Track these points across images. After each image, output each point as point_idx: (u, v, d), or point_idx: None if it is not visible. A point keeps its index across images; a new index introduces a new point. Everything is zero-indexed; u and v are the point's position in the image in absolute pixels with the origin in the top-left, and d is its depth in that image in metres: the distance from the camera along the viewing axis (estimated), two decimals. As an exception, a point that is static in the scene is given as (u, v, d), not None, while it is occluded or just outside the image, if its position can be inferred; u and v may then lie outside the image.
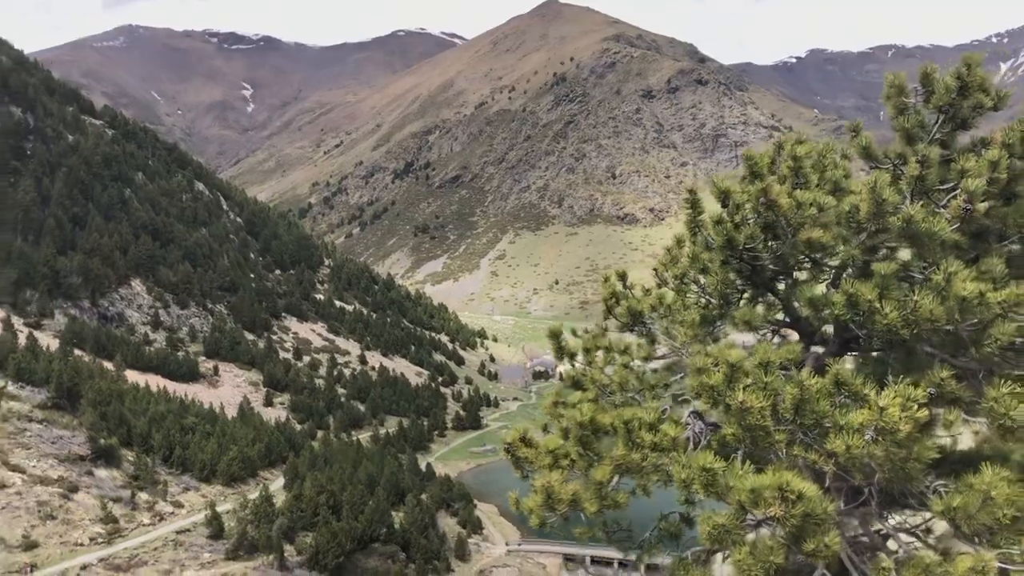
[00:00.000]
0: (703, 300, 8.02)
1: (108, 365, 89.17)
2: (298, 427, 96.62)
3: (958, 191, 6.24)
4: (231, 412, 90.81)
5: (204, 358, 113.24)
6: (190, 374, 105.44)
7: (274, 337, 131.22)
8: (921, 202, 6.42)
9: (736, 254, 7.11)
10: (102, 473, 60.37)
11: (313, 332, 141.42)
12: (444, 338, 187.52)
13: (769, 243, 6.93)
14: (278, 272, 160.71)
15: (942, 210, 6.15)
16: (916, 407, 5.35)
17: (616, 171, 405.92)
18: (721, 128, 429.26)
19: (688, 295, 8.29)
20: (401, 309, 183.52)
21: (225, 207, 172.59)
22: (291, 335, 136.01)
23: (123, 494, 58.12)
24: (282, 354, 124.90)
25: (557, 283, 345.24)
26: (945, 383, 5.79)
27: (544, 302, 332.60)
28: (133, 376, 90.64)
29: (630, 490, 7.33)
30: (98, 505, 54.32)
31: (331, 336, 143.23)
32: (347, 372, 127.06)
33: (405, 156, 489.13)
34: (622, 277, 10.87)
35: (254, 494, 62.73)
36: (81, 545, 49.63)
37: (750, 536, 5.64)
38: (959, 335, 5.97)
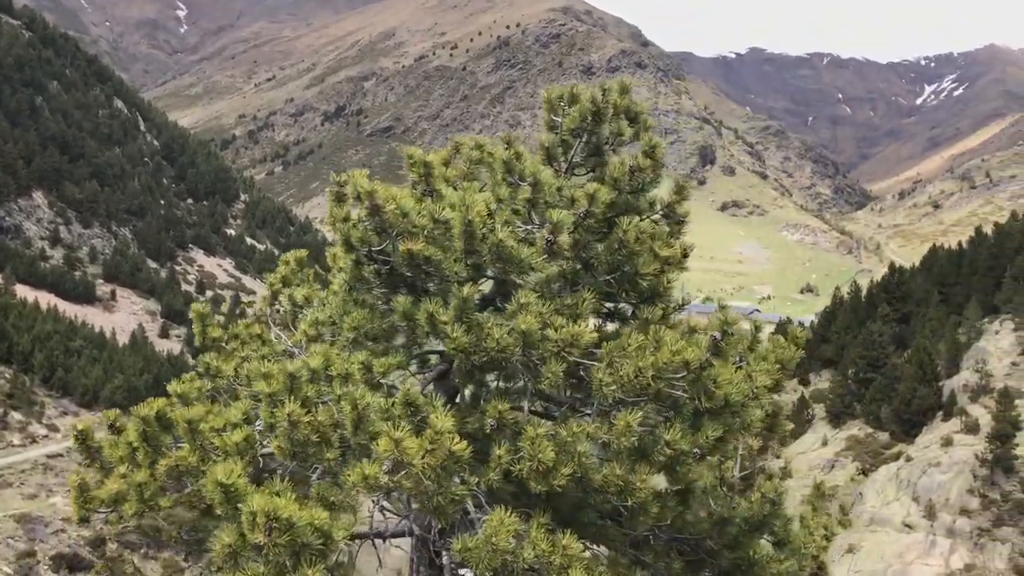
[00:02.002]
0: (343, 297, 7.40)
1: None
2: (191, 362, 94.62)
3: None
4: (123, 339, 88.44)
5: (102, 281, 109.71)
6: (85, 296, 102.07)
7: (178, 268, 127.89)
8: (512, 227, 5.96)
9: (366, 254, 6.63)
10: (-25, 388, 58.26)
11: (219, 267, 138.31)
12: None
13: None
14: (190, 201, 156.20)
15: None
16: (453, 439, 5.06)
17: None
18: (654, 114, 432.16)
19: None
20: (315, 255, 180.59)
21: (143, 128, 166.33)
22: (196, 267, 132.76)
23: (-4, 412, 56.25)
24: (184, 286, 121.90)
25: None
26: (504, 415, 5.46)
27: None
28: (24, 291, 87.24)
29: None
30: (-34, 421, 52.49)
31: (238, 273, 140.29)
32: (250, 311, 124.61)
33: (338, 99, 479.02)
34: (300, 263, 9.92)
35: (136, 425, 61.39)
36: (-57, 460, 47.98)
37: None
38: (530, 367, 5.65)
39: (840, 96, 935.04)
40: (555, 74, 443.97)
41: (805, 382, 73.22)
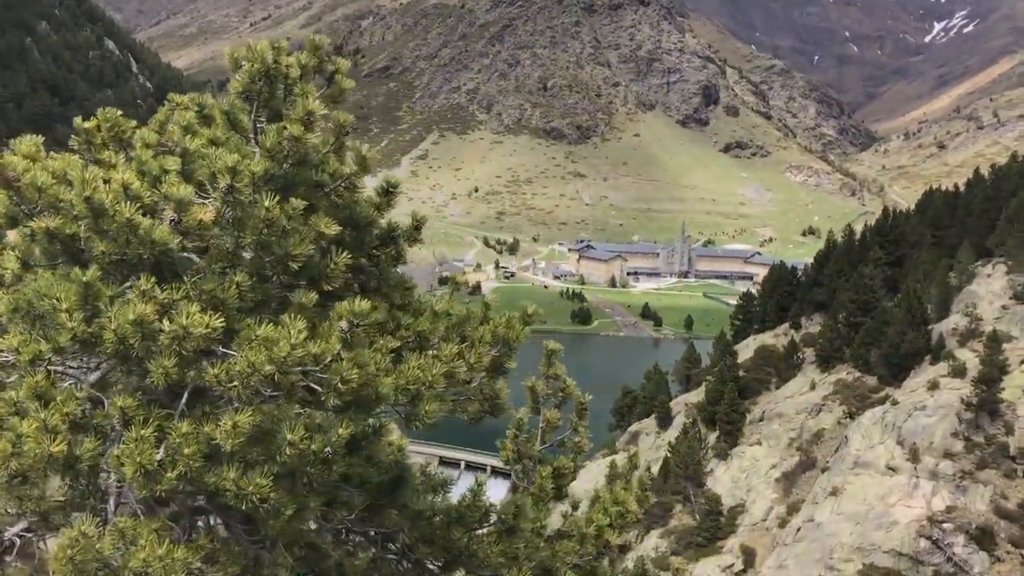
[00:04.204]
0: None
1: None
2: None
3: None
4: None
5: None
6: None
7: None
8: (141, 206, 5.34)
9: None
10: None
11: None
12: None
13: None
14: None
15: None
16: (54, 439, 4.61)
17: (548, 83, 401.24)
18: (657, 52, 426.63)
19: None
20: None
21: (135, 70, 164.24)
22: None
23: None
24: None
25: (477, 191, 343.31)
26: (128, 411, 5.00)
27: (462, 208, 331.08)
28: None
29: None
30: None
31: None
32: None
33: (334, 39, 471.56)
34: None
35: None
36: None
37: None
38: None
39: (847, 34, 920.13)
40: (555, 12, 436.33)
41: (796, 326, 73.20)
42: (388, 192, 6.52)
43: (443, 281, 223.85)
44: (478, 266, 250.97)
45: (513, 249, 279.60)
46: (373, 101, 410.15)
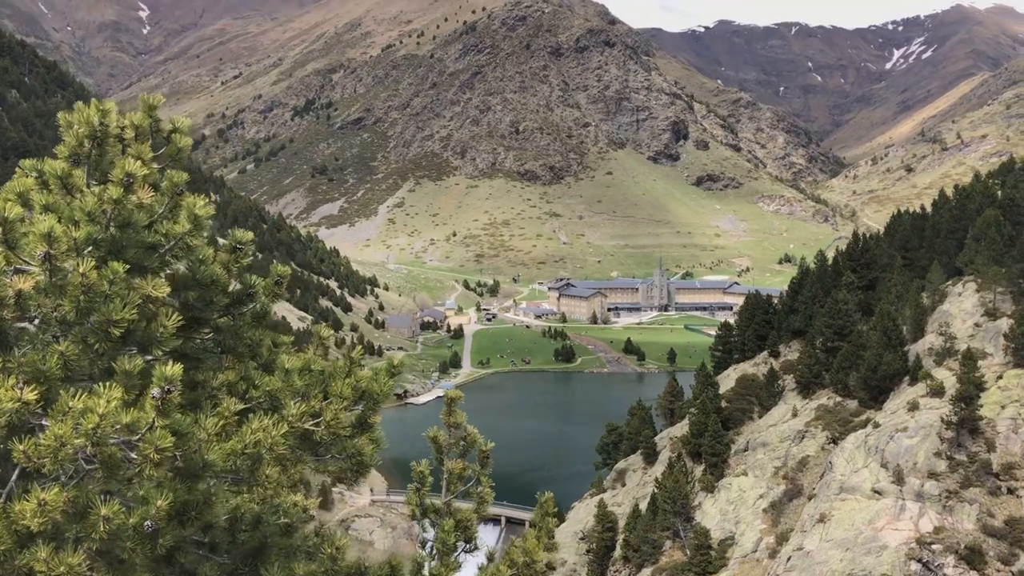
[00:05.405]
0: None
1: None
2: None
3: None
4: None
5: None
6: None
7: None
8: None
9: None
10: None
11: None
12: (333, 283, 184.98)
13: None
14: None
15: None
16: None
17: (520, 127, 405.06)
18: (625, 92, 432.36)
19: None
20: (289, 251, 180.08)
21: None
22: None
23: None
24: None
25: (455, 235, 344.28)
26: None
27: (440, 253, 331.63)
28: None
29: None
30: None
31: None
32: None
33: (306, 93, 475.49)
34: None
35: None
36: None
37: None
38: None
39: (810, 65, 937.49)
40: (523, 57, 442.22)
41: (775, 354, 73.52)
42: (236, 249, 6.19)
43: (424, 326, 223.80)
44: (459, 309, 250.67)
45: (494, 291, 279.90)
46: (347, 152, 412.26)
